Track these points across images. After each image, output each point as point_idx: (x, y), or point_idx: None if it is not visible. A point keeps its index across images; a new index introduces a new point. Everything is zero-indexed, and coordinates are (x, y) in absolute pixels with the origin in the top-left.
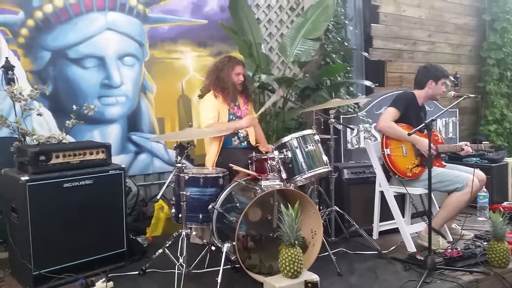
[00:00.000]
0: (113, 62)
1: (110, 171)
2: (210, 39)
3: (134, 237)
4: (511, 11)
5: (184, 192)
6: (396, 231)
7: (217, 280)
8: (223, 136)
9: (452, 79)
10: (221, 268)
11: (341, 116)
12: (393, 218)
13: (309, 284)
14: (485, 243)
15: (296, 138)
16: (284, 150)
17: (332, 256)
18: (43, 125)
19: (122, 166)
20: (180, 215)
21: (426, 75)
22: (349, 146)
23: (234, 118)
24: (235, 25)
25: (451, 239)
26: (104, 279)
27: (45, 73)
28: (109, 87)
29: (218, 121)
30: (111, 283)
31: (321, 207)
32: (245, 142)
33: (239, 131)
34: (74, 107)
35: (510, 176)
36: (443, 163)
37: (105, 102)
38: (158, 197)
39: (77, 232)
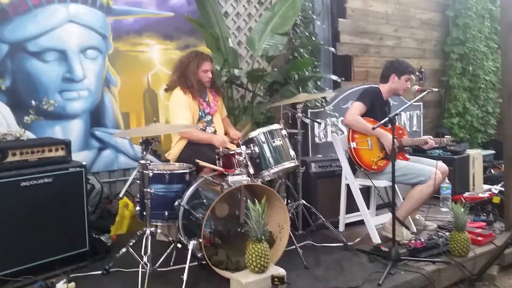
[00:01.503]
0: (75, 55)
1: (70, 169)
2: (177, 32)
3: (97, 236)
4: (473, 8)
5: (148, 190)
6: (361, 223)
7: (183, 278)
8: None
9: (417, 73)
10: (187, 266)
11: (309, 111)
12: (358, 210)
13: (275, 279)
14: (448, 233)
15: (263, 133)
16: (251, 145)
17: (299, 249)
18: (1, 121)
19: (83, 163)
20: (144, 213)
21: (390, 69)
22: (316, 140)
23: (203, 115)
24: (201, 18)
25: (415, 230)
26: (65, 280)
27: (2, 66)
28: (71, 81)
29: (193, 120)
30: (72, 284)
31: (288, 201)
32: None
33: (207, 126)
34: (33, 102)
35: (471, 168)
36: (407, 156)
37: (66, 97)
38: (121, 195)
39: (36, 232)
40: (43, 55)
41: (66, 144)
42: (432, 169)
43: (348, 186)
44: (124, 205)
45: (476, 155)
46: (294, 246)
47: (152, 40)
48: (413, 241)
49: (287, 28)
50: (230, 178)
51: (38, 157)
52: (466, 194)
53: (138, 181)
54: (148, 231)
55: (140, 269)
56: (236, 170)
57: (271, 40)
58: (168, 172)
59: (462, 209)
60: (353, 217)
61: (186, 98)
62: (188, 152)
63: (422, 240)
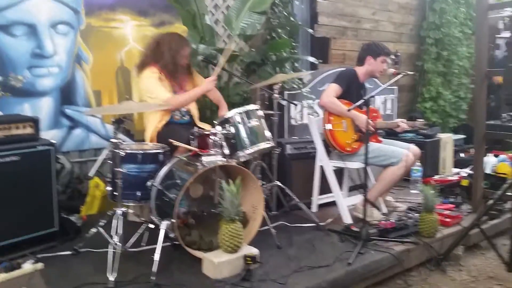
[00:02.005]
0: (45, 30)
1: (38, 147)
2: (152, 8)
3: (66, 216)
4: None
5: (119, 169)
6: (334, 204)
7: (154, 258)
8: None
9: (393, 57)
10: (158, 246)
11: (285, 92)
12: (331, 192)
13: (248, 258)
14: (417, 214)
15: (239, 113)
16: (227, 125)
17: (272, 229)
18: None
19: (52, 141)
20: (116, 193)
21: (366, 51)
22: (292, 122)
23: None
24: None
25: (386, 211)
26: (32, 260)
27: None
28: (40, 57)
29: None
30: (40, 264)
31: (263, 182)
32: (187, 117)
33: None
34: (0, 78)
35: (442, 151)
36: (380, 138)
37: (36, 73)
38: (90, 174)
39: (2, 211)
40: (11, 29)
41: (34, 122)
42: (404, 151)
43: (322, 167)
44: (95, 185)
45: (447, 139)
46: (267, 227)
47: (126, 16)
48: (383, 222)
49: (265, 6)
50: (205, 159)
51: (5, 135)
52: (436, 177)
53: (110, 161)
54: (119, 211)
55: (110, 249)
56: (211, 151)
57: (249, 19)
58: (141, 152)
59: (432, 191)
60: (326, 198)
61: (159, 79)
62: (162, 131)
63: (392, 221)
